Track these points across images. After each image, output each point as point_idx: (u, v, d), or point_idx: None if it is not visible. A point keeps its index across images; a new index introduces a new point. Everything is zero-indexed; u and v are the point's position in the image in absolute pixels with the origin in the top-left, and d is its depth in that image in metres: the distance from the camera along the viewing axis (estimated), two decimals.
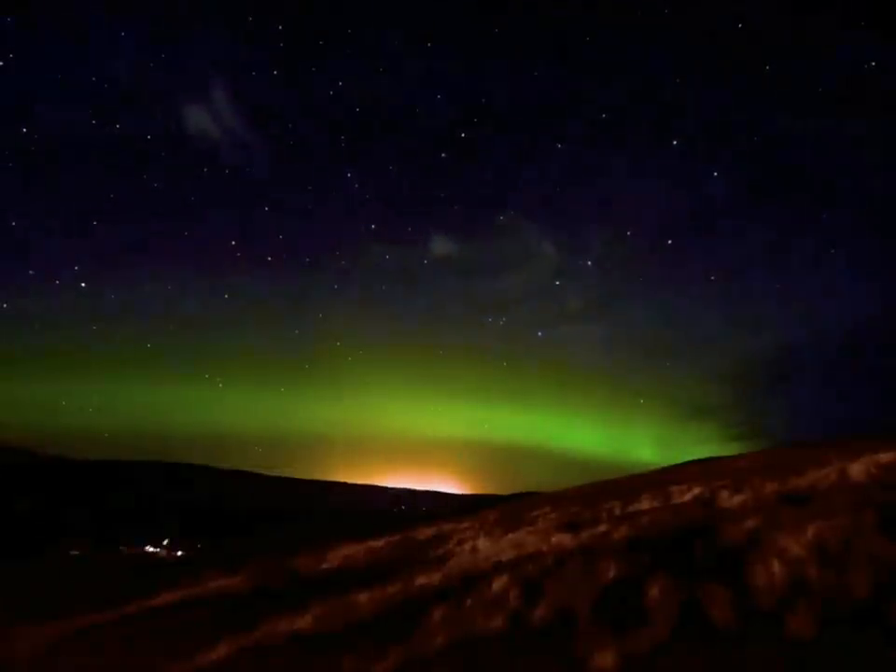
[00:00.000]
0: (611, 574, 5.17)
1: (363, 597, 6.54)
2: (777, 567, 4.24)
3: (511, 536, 10.01)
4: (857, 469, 7.82)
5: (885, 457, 8.36)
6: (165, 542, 52.32)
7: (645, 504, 10.23)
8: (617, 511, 10.11)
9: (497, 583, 5.69)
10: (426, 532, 13.85)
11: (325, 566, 11.38)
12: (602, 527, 7.90)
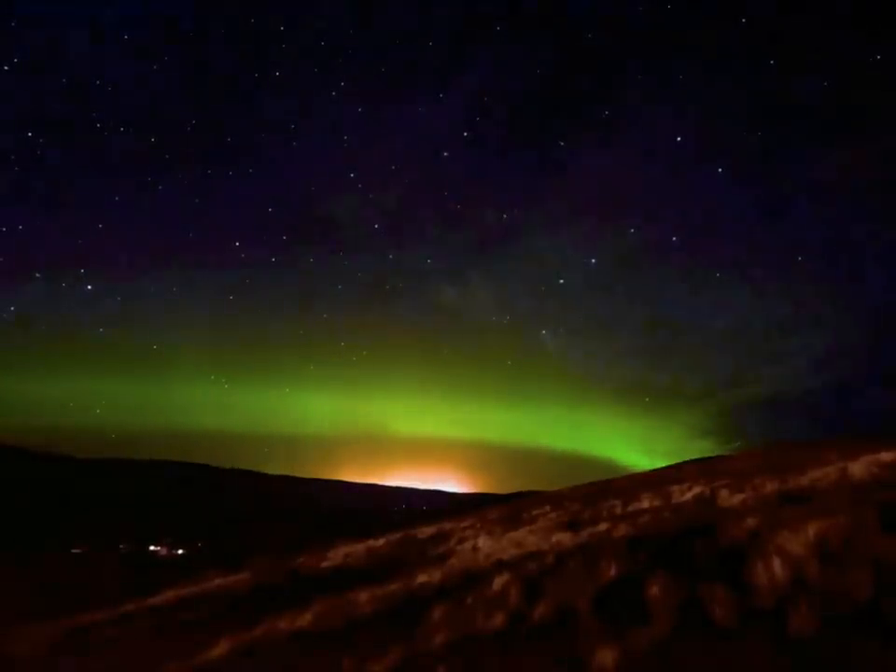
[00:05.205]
0: (612, 573, 5.17)
1: (363, 596, 6.54)
2: (777, 565, 4.23)
3: (511, 534, 10.01)
4: (858, 468, 7.83)
5: (886, 456, 8.35)
6: (167, 541, 52.38)
7: (645, 503, 10.23)
8: (617, 510, 10.11)
9: (498, 582, 5.70)
10: (426, 531, 13.86)
11: (325, 564, 11.39)
12: (602, 526, 7.90)
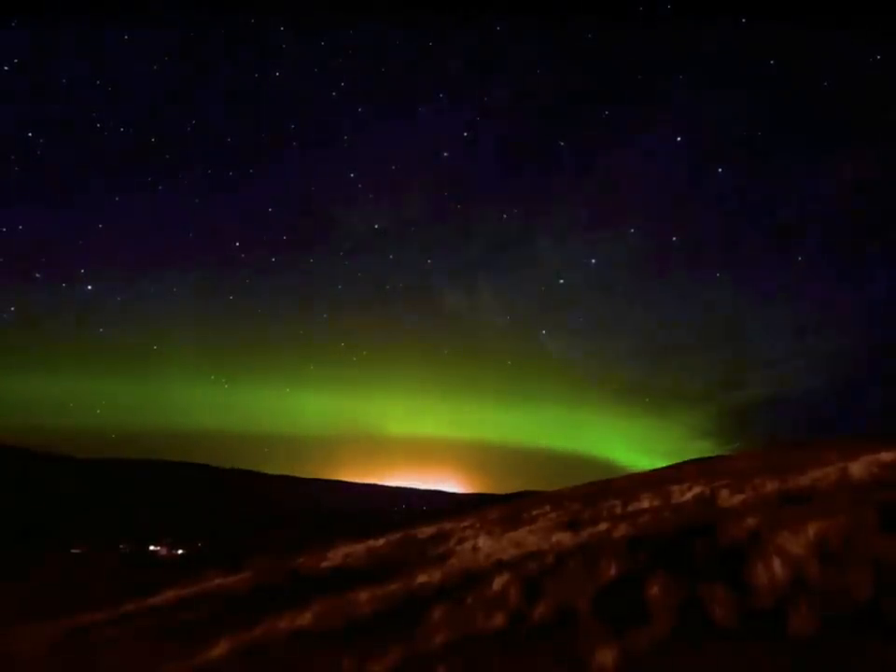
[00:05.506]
0: (612, 572, 5.18)
1: (363, 595, 6.55)
2: (777, 565, 4.23)
3: (511, 534, 10.01)
4: (858, 468, 7.82)
5: (886, 456, 8.35)
6: (167, 541, 52.37)
7: (645, 503, 10.23)
8: (617, 510, 10.11)
9: (498, 582, 5.70)
10: (426, 531, 13.85)
11: (325, 564, 11.39)
12: (602, 526, 7.90)
